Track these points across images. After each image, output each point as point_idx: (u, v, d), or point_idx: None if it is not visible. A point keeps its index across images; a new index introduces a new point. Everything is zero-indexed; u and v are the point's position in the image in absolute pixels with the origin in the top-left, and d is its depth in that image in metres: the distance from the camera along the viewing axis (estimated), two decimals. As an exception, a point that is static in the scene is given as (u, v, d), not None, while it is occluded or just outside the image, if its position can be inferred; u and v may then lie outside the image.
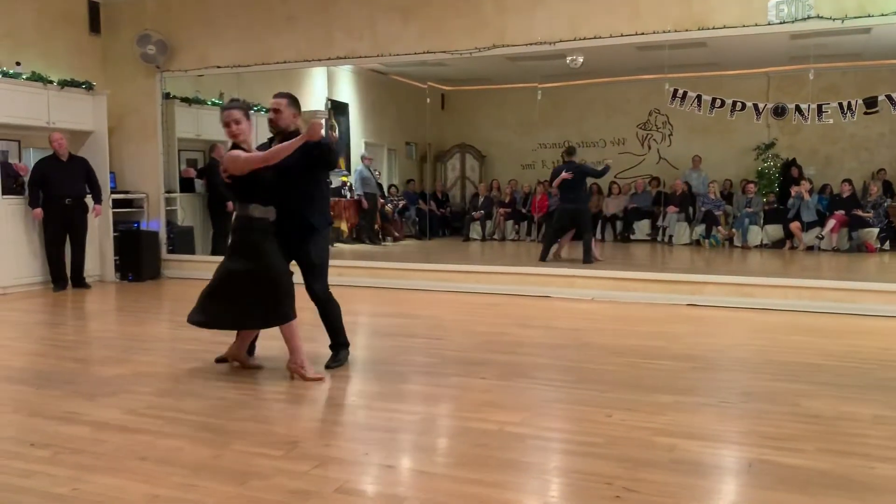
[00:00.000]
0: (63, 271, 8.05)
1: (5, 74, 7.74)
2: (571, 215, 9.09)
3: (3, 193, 7.70)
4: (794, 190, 11.12)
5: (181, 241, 9.37)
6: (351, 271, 8.45)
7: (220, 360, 4.58)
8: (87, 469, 2.85)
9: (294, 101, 4.33)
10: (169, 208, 9.36)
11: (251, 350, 4.58)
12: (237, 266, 4.12)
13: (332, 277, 8.09)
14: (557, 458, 3.05)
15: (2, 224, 7.66)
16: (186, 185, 9.57)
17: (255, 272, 4.08)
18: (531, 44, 7.55)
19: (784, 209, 11.22)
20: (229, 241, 4.28)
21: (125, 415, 3.55)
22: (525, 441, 3.20)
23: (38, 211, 7.80)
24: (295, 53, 8.51)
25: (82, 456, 3.00)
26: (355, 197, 12.20)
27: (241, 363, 4.47)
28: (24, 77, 7.92)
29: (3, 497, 2.61)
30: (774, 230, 11.29)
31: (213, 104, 9.80)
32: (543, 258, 8.95)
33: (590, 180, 10.43)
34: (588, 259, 8.76)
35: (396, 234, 12.69)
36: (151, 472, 2.83)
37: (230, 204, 9.52)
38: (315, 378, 4.17)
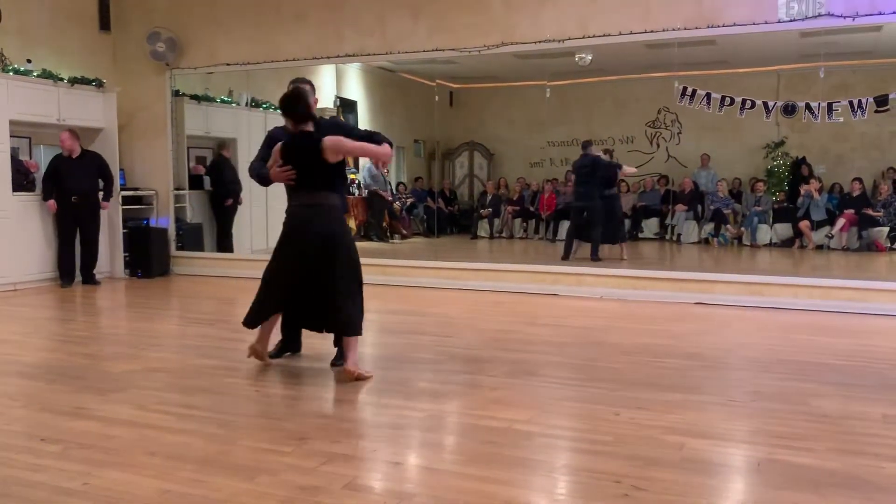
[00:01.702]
0: (71, 267, 8.08)
1: (16, 72, 7.78)
2: (582, 211, 9.15)
3: (14, 190, 7.75)
4: (803, 188, 11.07)
5: (190, 237, 9.40)
6: (359, 269, 8.45)
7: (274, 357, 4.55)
8: (97, 464, 2.87)
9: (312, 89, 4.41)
10: (178, 205, 9.39)
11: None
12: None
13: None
14: (566, 456, 3.05)
15: (13, 220, 7.70)
16: (196, 182, 9.61)
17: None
18: (540, 41, 7.54)
19: (793, 208, 11.17)
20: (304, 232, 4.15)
21: (135, 410, 3.56)
22: (533, 439, 3.20)
23: (52, 202, 7.83)
24: (304, 51, 8.52)
25: (92, 451, 3.01)
26: (364, 194, 12.22)
27: (258, 357, 4.42)
28: (34, 74, 7.96)
29: (15, 491, 2.63)
30: (784, 229, 11.24)
31: (223, 101, 9.83)
32: (566, 257, 8.99)
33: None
34: (596, 257, 8.77)
35: (404, 231, 12.70)
36: (161, 467, 2.84)
37: (229, 200, 9.57)
38: (364, 376, 4.12)
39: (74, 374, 4.29)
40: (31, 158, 8.27)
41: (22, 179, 7.93)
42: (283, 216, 4.31)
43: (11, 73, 7.72)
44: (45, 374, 4.30)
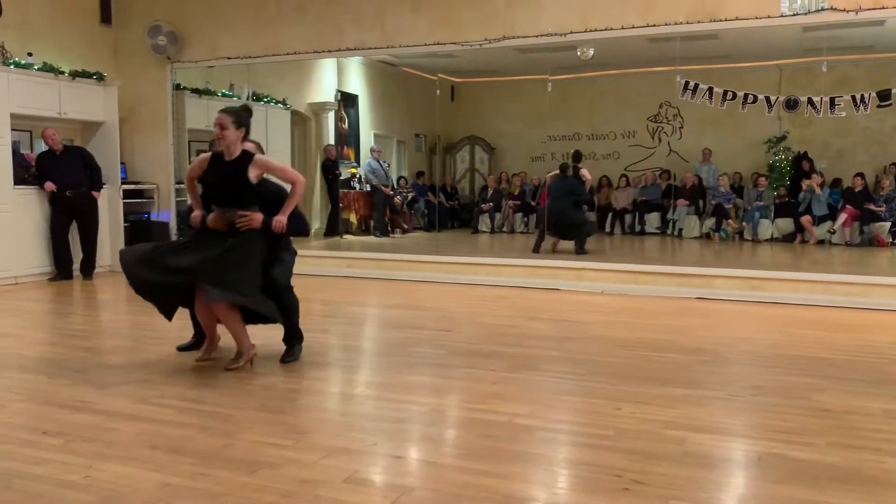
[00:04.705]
0: (64, 261, 8.04)
1: (17, 65, 7.77)
2: (557, 218, 9.23)
3: (16, 184, 7.74)
4: (805, 183, 11.06)
5: (191, 231, 9.39)
6: (360, 263, 8.47)
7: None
8: (99, 457, 2.88)
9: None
10: (179, 199, 9.37)
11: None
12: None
13: (341, 269, 8.10)
14: (566, 450, 3.06)
15: (14, 214, 7.70)
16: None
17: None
18: (541, 35, 7.52)
19: (795, 203, 11.16)
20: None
21: (136, 403, 3.57)
22: (533, 433, 3.20)
23: (49, 183, 7.81)
24: (305, 45, 8.50)
25: (94, 444, 3.02)
26: (366, 189, 12.21)
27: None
28: (35, 68, 7.95)
29: (17, 484, 2.64)
30: (785, 224, 11.24)
31: (224, 95, 9.82)
32: (537, 250, 9.13)
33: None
34: (582, 251, 8.88)
35: (405, 226, 12.69)
36: (162, 460, 2.85)
37: None
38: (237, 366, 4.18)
39: (75, 367, 4.29)
40: (31, 152, 8.26)
41: (23, 173, 7.93)
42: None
43: (12, 67, 7.70)
44: (47, 368, 4.31)
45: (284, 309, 4.34)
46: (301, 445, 3.00)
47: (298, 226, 4.46)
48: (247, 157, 4.09)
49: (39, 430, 3.21)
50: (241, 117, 4.10)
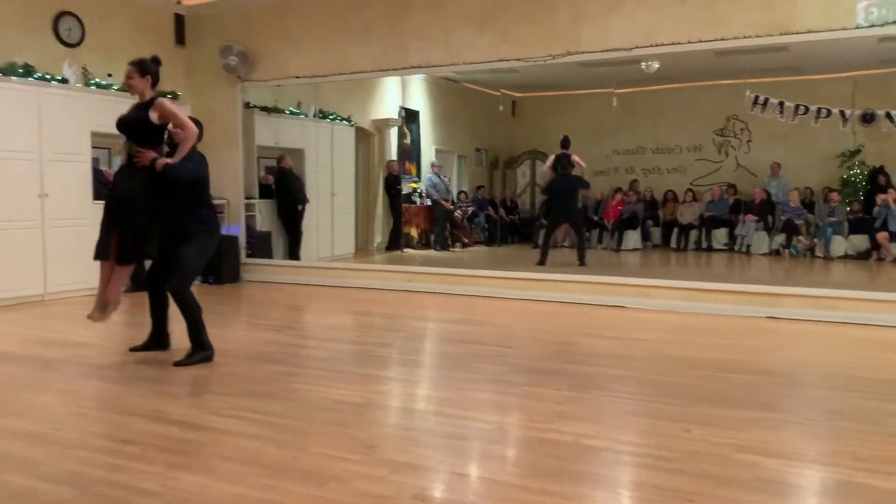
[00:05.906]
0: (137, 274, 8.29)
1: (98, 86, 8.14)
2: (566, 218, 9.89)
3: (95, 198, 8.09)
4: (880, 198, 10.65)
5: (259, 245, 9.63)
6: (420, 277, 8.52)
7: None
8: (175, 467, 2.97)
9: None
10: (248, 214, 9.63)
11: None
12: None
13: (402, 283, 8.16)
14: (633, 472, 3.01)
15: (93, 228, 7.97)
16: (265, 192, 9.86)
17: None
18: (606, 50, 7.47)
19: (870, 219, 10.75)
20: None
21: (209, 415, 3.67)
22: (600, 454, 3.16)
23: None
24: (370, 63, 8.65)
25: (170, 454, 3.12)
26: (426, 203, 12.31)
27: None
28: (115, 88, 8.31)
29: (97, 490, 2.75)
30: (860, 240, 10.83)
31: (292, 113, 10.07)
32: (544, 263, 9.38)
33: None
34: (582, 261, 9.27)
35: (466, 240, 12.74)
36: (235, 471, 2.92)
37: (300, 206, 9.84)
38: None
39: (151, 377, 4.45)
40: (109, 168, 8.62)
41: (102, 189, 8.27)
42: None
43: (94, 88, 8.08)
44: (124, 378, 4.48)
45: (184, 311, 4.84)
46: (369, 460, 3.04)
47: (183, 171, 4.68)
48: (151, 101, 4.66)
49: (119, 438, 3.33)
50: (145, 66, 4.69)
